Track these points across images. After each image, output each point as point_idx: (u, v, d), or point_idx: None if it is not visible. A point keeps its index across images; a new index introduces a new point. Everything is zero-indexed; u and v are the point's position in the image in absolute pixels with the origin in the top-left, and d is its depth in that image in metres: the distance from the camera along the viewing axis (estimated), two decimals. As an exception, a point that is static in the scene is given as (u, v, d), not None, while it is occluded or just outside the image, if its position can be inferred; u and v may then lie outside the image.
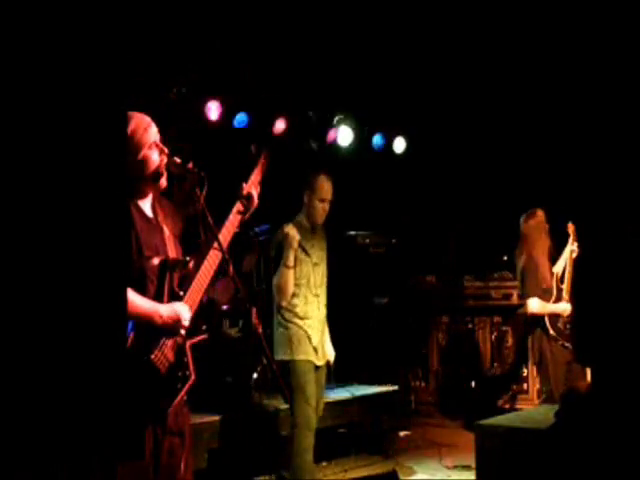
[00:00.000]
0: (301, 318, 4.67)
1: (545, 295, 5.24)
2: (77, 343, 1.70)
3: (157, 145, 3.01)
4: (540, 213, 5.42)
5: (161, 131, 3.08)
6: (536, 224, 5.40)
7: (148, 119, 3.02)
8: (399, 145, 8.03)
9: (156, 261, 2.93)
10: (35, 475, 1.73)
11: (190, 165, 3.10)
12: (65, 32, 1.70)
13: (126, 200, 2.85)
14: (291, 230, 4.66)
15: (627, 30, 6.02)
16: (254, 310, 3.18)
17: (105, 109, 1.78)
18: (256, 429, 5.13)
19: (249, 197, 3.28)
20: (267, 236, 5.03)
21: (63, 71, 1.70)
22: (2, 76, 1.63)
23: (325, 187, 4.70)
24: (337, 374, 6.70)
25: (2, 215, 1.62)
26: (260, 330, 3.20)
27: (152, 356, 2.80)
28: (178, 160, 3.10)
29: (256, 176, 3.39)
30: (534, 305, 5.25)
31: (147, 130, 2.99)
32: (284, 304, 4.62)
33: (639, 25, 5.94)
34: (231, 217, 3.21)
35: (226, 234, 3.16)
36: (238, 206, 3.23)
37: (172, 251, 3.03)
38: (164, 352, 2.85)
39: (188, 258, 3.08)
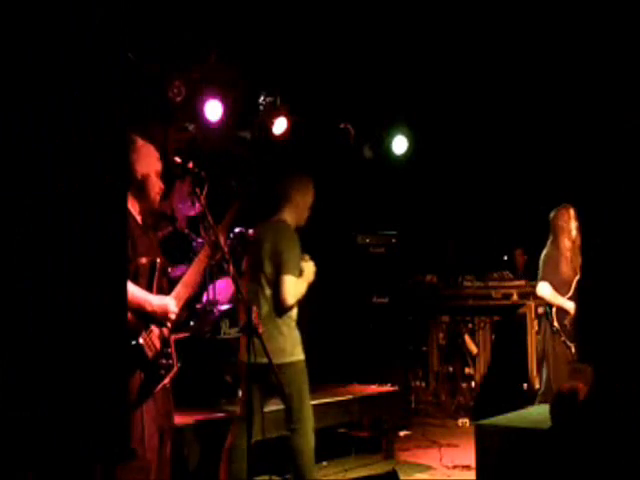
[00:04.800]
0: (294, 320, 4.53)
1: (560, 288, 5.25)
2: (79, 342, 1.70)
3: (160, 174, 3.21)
4: (572, 210, 5.42)
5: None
6: (569, 220, 5.40)
7: (157, 153, 3.24)
8: (400, 146, 8.01)
9: (144, 260, 3.08)
10: (35, 475, 1.73)
11: (190, 165, 3.13)
12: (66, 33, 1.70)
13: (125, 200, 2.91)
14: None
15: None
16: (254, 310, 3.21)
17: (106, 109, 1.78)
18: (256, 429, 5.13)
19: (217, 244, 3.29)
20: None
21: (65, 74, 1.70)
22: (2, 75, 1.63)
23: (313, 192, 4.62)
24: (337, 374, 6.70)
25: (12, 214, 1.63)
26: (260, 330, 3.24)
27: (141, 340, 2.95)
28: (178, 160, 3.13)
29: (227, 221, 3.46)
30: (544, 289, 5.26)
31: (158, 160, 3.21)
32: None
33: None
34: (195, 265, 3.27)
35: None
36: (207, 251, 3.30)
37: (158, 253, 3.21)
38: (151, 338, 3.01)
39: (171, 269, 3.27)
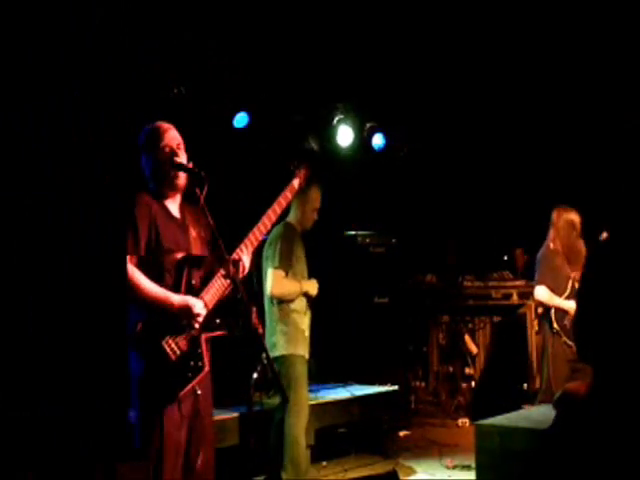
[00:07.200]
0: (298, 313, 4.74)
1: (557, 288, 5.26)
2: (79, 342, 1.70)
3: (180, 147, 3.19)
4: (576, 213, 5.42)
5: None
6: (569, 220, 5.39)
7: (167, 124, 3.21)
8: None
9: (178, 255, 3.07)
10: (35, 475, 1.73)
11: (191, 165, 3.13)
12: (66, 35, 1.71)
13: (125, 199, 2.92)
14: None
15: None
16: (254, 310, 3.20)
17: (106, 109, 1.78)
18: (256, 429, 5.13)
19: (237, 263, 3.19)
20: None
21: (66, 75, 1.70)
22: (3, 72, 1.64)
23: (318, 197, 4.93)
24: (337, 374, 6.70)
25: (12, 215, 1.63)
26: (260, 330, 3.23)
27: (163, 342, 2.93)
28: (178, 160, 3.13)
29: (282, 201, 3.62)
30: (541, 293, 5.27)
31: (169, 131, 3.19)
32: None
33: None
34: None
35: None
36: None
37: (197, 250, 3.18)
38: (177, 341, 2.98)
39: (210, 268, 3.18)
